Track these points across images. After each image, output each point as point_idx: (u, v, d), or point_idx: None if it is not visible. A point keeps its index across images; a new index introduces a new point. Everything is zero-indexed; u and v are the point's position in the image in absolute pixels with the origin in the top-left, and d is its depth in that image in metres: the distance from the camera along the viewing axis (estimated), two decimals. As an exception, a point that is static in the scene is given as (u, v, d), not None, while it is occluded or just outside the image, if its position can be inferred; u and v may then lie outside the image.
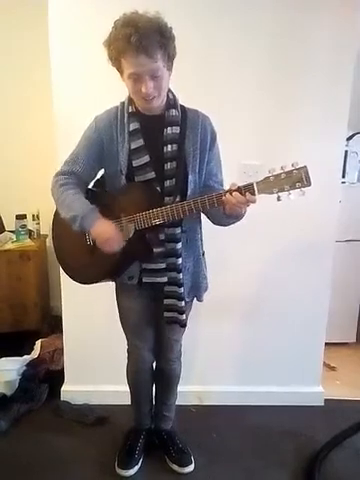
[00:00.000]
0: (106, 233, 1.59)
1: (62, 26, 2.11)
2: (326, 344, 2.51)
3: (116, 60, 1.52)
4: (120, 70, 1.54)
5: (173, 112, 1.65)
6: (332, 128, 2.22)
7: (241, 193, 1.46)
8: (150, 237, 1.65)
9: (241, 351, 2.48)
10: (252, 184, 1.44)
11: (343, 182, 2.73)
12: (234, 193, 1.46)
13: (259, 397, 2.46)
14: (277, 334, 2.44)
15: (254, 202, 1.46)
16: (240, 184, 1.48)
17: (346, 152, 2.77)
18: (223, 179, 1.77)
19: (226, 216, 1.58)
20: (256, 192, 1.44)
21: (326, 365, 2.79)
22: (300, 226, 2.30)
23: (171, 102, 1.66)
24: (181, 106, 1.68)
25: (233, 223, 1.65)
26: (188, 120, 1.66)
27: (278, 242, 2.33)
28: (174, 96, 1.68)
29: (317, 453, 2.07)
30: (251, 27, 2.11)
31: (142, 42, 1.42)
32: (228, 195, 1.48)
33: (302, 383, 2.49)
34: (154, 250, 1.66)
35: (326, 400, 2.52)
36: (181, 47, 1.59)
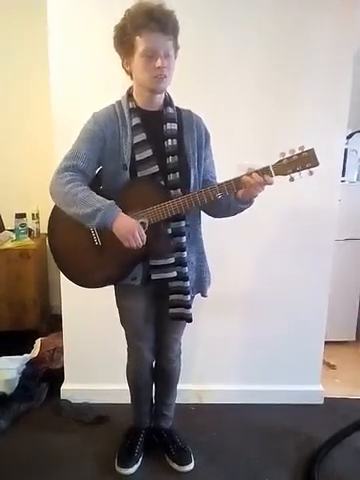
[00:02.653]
0: (131, 227, 1.56)
1: (61, 26, 2.12)
2: (326, 342, 2.51)
3: (128, 40, 1.54)
4: (130, 51, 1.56)
5: (170, 109, 1.70)
6: (332, 126, 2.22)
7: (259, 175, 1.55)
8: (163, 231, 1.65)
9: (241, 350, 2.48)
10: (268, 167, 1.56)
11: (343, 181, 2.72)
12: (253, 174, 1.55)
13: (259, 395, 2.47)
14: (277, 332, 2.44)
15: (271, 184, 1.56)
16: None
17: (346, 150, 2.77)
18: (216, 176, 1.82)
19: (238, 201, 1.64)
20: (273, 174, 1.55)
21: (326, 363, 2.79)
22: (300, 224, 2.31)
23: (168, 101, 1.71)
24: (175, 106, 1.73)
25: (242, 210, 1.69)
26: (183, 118, 1.72)
27: (278, 241, 2.33)
28: (170, 95, 1.73)
29: (317, 451, 2.07)
30: (250, 25, 2.12)
31: (162, 19, 1.51)
32: (246, 176, 1.56)
33: (302, 381, 2.49)
34: (171, 243, 1.67)
35: (326, 398, 2.52)
36: (179, 44, 1.61)
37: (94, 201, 1.56)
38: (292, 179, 1.54)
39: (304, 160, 1.53)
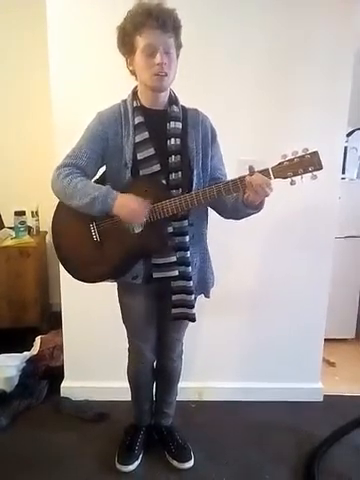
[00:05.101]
0: (131, 203, 1.57)
1: (61, 26, 2.11)
2: (326, 340, 2.52)
3: (129, 40, 1.56)
4: (132, 51, 1.57)
5: (175, 108, 1.68)
6: (332, 124, 2.22)
7: None
8: (161, 230, 1.64)
9: (241, 347, 2.49)
10: (267, 169, 1.49)
11: (343, 178, 2.72)
12: (255, 173, 1.49)
13: (259, 393, 2.47)
14: (277, 330, 2.44)
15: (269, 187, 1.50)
16: None
17: (346, 148, 2.77)
18: (226, 173, 1.79)
19: (245, 205, 1.59)
20: (271, 176, 1.49)
21: (325, 361, 2.80)
22: (300, 222, 2.31)
23: (173, 99, 1.70)
24: (181, 105, 1.71)
25: (249, 215, 1.65)
26: (189, 118, 1.70)
27: (278, 239, 2.34)
28: (175, 94, 1.72)
29: (316, 449, 2.07)
30: (250, 25, 2.12)
31: (160, 17, 1.52)
32: (249, 177, 1.50)
33: (301, 379, 2.49)
34: (170, 242, 1.65)
35: (325, 396, 2.53)
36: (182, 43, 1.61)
37: (91, 190, 1.58)
38: (293, 182, 1.47)
39: (306, 163, 1.45)
